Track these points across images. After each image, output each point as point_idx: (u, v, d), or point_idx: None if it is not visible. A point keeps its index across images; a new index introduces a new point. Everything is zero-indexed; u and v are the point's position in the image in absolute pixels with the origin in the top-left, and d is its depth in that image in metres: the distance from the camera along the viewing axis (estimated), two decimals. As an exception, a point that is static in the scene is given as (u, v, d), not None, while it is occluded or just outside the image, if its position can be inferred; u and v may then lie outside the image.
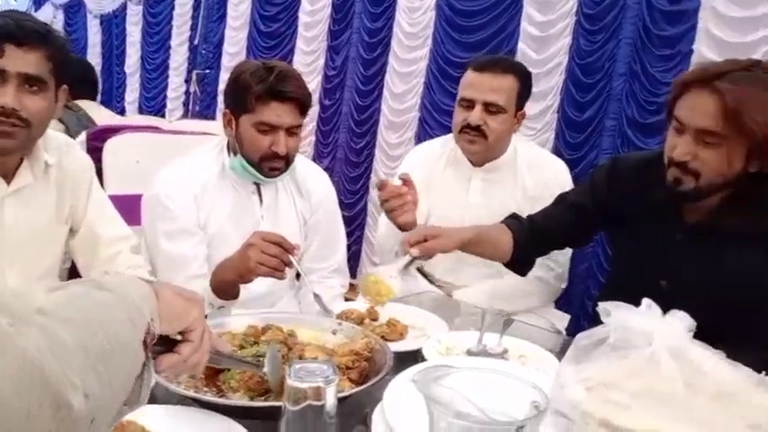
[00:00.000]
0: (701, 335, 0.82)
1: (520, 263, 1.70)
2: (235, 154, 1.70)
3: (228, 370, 1.11)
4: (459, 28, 3.93)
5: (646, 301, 0.78)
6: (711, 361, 0.72)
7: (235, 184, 1.74)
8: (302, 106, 1.65)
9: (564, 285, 2.08)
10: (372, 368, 1.17)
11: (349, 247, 4.63)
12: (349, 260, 4.44)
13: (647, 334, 0.73)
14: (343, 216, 4.60)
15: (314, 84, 4.77)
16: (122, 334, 0.66)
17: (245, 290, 1.59)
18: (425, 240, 1.50)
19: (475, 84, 1.93)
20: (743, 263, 1.40)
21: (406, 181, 1.74)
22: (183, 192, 1.67)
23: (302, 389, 0.84)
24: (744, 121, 1.29)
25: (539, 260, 1.96)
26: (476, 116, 1.90)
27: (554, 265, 1.97)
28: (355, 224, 4.55)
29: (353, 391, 1.05)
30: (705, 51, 2.95)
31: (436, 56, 4.03)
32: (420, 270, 2.11)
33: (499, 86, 1.91)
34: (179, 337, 0.85)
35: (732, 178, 1.38)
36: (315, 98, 4.76)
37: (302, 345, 1.25)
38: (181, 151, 1.82)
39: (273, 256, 1.46)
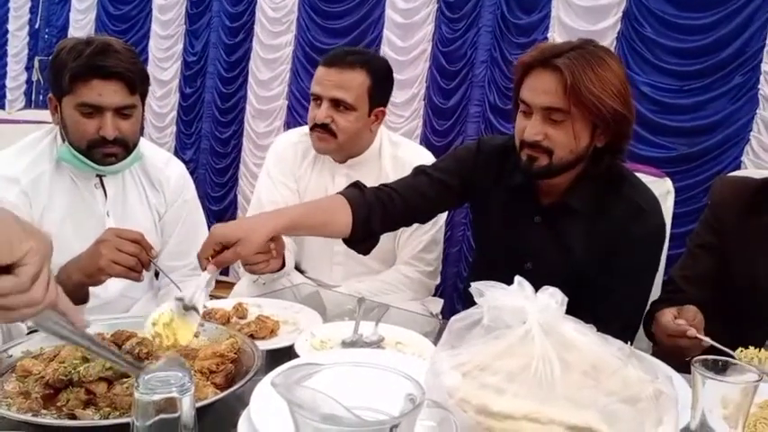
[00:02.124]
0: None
1: (360, 240, 1.52)
2: (64, 142, 1.51)
3: (69, 388, 0.97)
4: (323, 14, 3.86)
5: (518, 279, 0.76)
6: (584, 336, 0.71)
7: (74, 176, 1.55)
8: (130, 83, 1.47)
9: (437, 281, 2.07)
10: (240, 370, 1.08)
11: (219, 243, 4.46)
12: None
13: (520, 312, 0.71)
14: (212, 210, 4.44)
15: (172, 71, 4.51)
16: None
17: (94, 296, 1.42)
18: (223, 249, 1.26)
19: (322, 79, 1.83)
20: (591, 240, 1.46)
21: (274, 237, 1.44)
22: (11, 187, 1.46)
23: (152, 401, 0.74)
24: (584, 95, 1.34)
25: (408, 259, 1.92)
26: (322, 114, 1.81)
27: (424, 266, 1.94)
28: (225, 219, 4.36)
29: (216, 397, 0.96)
30: (558, 39, 3.10)
31: (302, 42, 3.94)
32: (296, 267, 2.03)
33: (346, 82, 1.81)
34: None
35: (582, 153, 1.42)
36: (174, 86, 4.51)
37: (160, 350, 1.13)
38: (14, 144, 1.60)
39: (130, 255, 1.31)
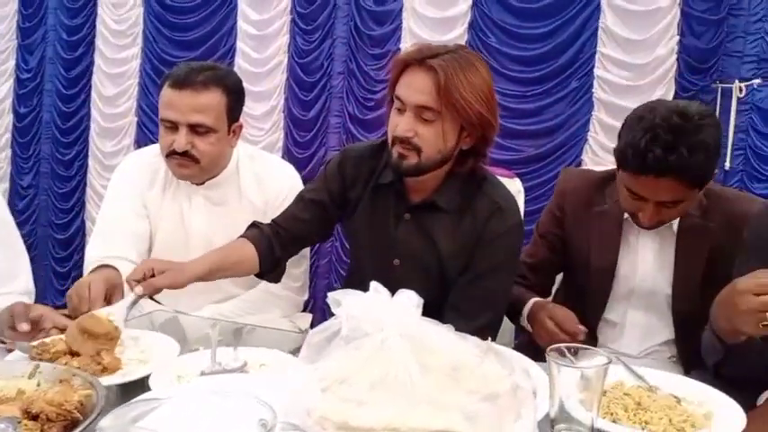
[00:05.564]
0: (428, 311, 0.81)
1: (269, 272, 1.62)
2: None
3: None
4: (171, 25, 3.69)
5: (373, 285, 0.74)
6: (441, 336, 0.70)
7: None
8: None
9: (305, 297, 2.01)
10: (82, 411, 0.97)
11: (68, 274, 4.11)
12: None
13: (377, 319, 0.69)
14: (57, 239, 4.10)
15: (4, 89, 4.13)
16: None
17: None
18: (152, 276, 1.37)
19: (174, 103, 1.68)
20: (455, 237, 1.50)
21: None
22: None
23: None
24: (455, 97, 1.38)
25: None
26: (181, 142, 1.67)
27: (291, 281, 1.87)
28: (72, 247, 4.03)
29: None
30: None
31: (150, 55, 3.75)
32: (150, 297, 1.87)
33: (203, 105, 1.68)
34: None
35: (448, 154, 1.46)
36: (7, 106, 4.14)
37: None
38: None
39: None
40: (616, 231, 1.59)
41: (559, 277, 1.81)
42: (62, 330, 1.29)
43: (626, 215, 1.57)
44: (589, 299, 1.63)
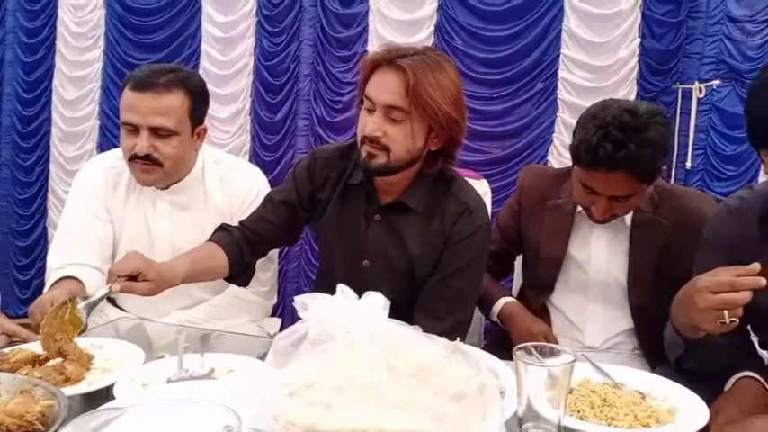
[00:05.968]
0: (398, 312, 0.81)
1: (239, 275, 1.65)
2: None
3: None
4: (134, 28, 3.64)
5: (340, 287, 0.74)
6: (409, 338, 0.70)
7: None
8: None
9: (274, 301, 1.99)
10: (44, 422, 0.94)
11: (30, 282, 4.01)
12: (35, 295, 3.84)
13: (344, 322, 0.69)
14: (18, 247, 3.99)
15: (-39, 93, 4.01)
16: None
17: None
18: (135, 277, 1.38)
19: (136, 106, 1.65)
20: (424, 238, 1.52)
21: None
22: None
23: None
24: (423, 98, 1.40)
25: None
26: (143, 145, 1.64)
27: (259, 286, 1.86)
28: (35, 254, 3.93)
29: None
30: (378, 52, 3.18)
31: (112, 58, 3.68)
32: (111, 300, 1.83)
33: (165, 108, 1.65)
34: None
35: (417, 154, 1.48)
36: (-36, 110, 4.01)
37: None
38: None
39: None
40: (567, 222, 1.66)
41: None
42: (11, 336, 1.28)
43: (579, 208, 1.62)
44: (536, 285, 1.73)
